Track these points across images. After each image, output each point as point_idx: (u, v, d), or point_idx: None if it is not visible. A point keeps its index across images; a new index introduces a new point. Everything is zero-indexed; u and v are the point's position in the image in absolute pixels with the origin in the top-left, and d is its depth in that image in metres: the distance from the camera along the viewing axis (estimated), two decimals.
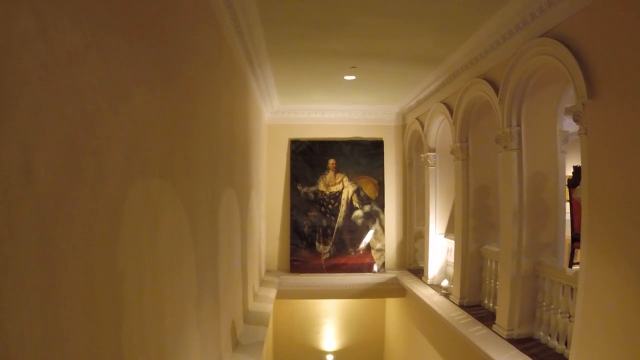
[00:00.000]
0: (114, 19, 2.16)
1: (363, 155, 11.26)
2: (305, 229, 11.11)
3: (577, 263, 5.65)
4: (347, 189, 11.19)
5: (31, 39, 1.48)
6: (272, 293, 9.05)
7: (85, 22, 1.85)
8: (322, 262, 11.00)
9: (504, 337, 5.84)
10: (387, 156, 11.35)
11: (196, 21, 3.87)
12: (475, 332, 6.22)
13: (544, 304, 5.67)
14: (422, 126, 9.65)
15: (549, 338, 5.56)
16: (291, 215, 11.15)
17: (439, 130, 9.17)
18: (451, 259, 8.43)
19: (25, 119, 1.45)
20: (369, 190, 11.23)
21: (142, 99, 2.52)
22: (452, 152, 7.83)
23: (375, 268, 10.96)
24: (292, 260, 11.06)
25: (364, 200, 11.21)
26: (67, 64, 1.71)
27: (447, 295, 8.11)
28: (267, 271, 11.00)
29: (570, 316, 5.19)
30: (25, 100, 1.45)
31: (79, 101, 1.80)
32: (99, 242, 1.97)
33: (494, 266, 6.99)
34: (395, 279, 10.54)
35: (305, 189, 11.18)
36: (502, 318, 6.02)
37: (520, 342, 5.68)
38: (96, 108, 1.95)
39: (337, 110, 11.15)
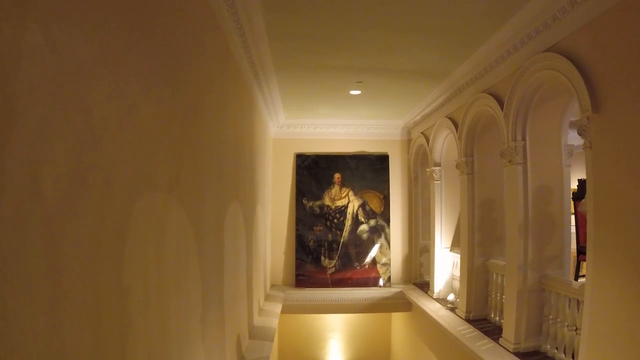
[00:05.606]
0: (123, 34, 2.18)
1: (368, 170, 11.26)
2: (311, 243, 11.08)
3: (583, 276, 5.63)
4: (353, 203, 11.18)
5: (40, 52, 1.49)
6: (277, 308, 9.01)
7: (94, 36, 1.88)
8: (328, 276, 10.95)
9: (511, 350, 5.79)
10: (392, 170, 11.36)
11: (202, 35, 3.91)
12: (482, 346, 6.18)
13: (550, 317, 5.63)
14: (428, 140, 9.67)
15: (555, 351, 5.52)
16: (296, 230, 11.13)
17: (444, 144, 9.18)
18: (457, 273, 8.40)
19: (33, 132, 1.46)
20: (375, 204, 11.22)
21: (149, 113, 2.54)
22: (457, 167, 7.84)
23: (381, 282, 10.92)
24: (297, 275, 11.01)
25: (370, 214, 11.19)
26: (76, 78, 1.73)
27: (453, 309, 8.07)
28: (273, 286, 10.97)
29: (576, 329, 5.16)
30: (33, 114, 1.46)
31: (86, 115, 1.81)
32: (105, 256, 1.98)
33: (499, 280, 6.96)
34: (401, 293, 10.50)
35: (310, 203, 11.18)
36: (508, 332, 5.98)
37: (527, 356, 5.65)
38: (104, 122, 1.96)
39: (342, 125, 11.18)
